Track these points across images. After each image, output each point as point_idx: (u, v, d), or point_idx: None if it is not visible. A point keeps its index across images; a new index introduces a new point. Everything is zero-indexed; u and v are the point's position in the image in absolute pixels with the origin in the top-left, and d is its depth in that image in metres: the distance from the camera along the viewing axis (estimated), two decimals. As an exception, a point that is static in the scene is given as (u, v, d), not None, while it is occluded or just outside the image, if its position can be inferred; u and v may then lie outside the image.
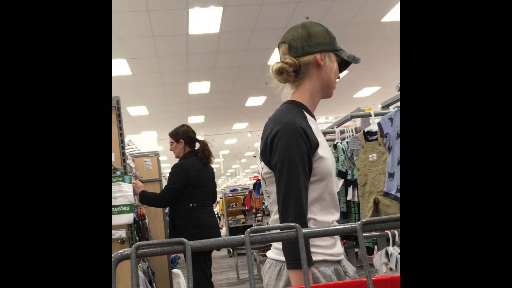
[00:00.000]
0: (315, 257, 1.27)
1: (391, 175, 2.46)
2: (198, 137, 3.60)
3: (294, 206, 1.21)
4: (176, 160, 3.54)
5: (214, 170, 3.75)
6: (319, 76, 1.34)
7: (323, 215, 1.31)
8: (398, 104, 2.87)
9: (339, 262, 1.36)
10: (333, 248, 1.33)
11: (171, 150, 3.61)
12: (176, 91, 9.47)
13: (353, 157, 2.84)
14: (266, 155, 1.30)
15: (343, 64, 1.43)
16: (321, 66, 1.32)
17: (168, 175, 3.56)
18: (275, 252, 1.34)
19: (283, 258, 1.25)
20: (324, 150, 1.30)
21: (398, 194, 2.39)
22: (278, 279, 1.30)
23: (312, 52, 1.32)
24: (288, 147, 1.23)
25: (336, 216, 1.36)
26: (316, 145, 1.27)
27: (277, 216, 1.30)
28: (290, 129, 1.24)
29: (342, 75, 1.43)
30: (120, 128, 3.01)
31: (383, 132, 2.56)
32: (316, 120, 1.39)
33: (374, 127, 2.72)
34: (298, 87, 1.37)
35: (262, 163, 1.33)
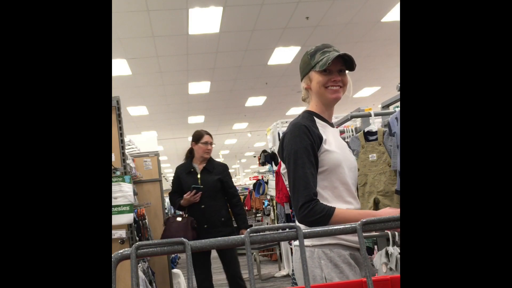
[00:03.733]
0: (329, 240, 1.45)
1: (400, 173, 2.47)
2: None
3: (303, 189, 1.43)
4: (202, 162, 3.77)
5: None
6: (312, 92, 1.62)
7: (337, 202, 1.49)
8: (398, 104, 2.87)
9: (358, 249, 1.51)
10: (349, 235, 1.46)
11: (210, 150, 3.83)
12: (176, 91, 9.46)
13: (353, 157, 2.83)
14: (280, 153, 1.57)
15: (344, 65, 1.59)
16: (308, 86, 1.62)
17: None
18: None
19: (312, 243, 1.46)
20: (332, 145, 1.52)
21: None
22: (314, 260, 1.46)
23: (301, 80, 1.65)
24: (293, 142, 1.49)
25: (353, 205, 1.53)
26: (320, 139, 1.50)
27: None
28: (294, 128, 1.51)
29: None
30: (120, 128, 3.01)
31: (391, 131, 2.57)
32: (332, 126, 1.63)
33: (374, 127, 2.72)
34: (309, 102, 1.67)
35: (282, 161, 1.57)
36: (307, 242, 1.48)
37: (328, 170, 1.49)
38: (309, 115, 1.58)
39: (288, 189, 1.55)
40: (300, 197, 1.43)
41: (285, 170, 1.54)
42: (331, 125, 1.63)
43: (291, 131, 1.51)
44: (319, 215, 1.40)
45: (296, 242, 1.54)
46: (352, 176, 1.55)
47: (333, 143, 1.54)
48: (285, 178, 1.57)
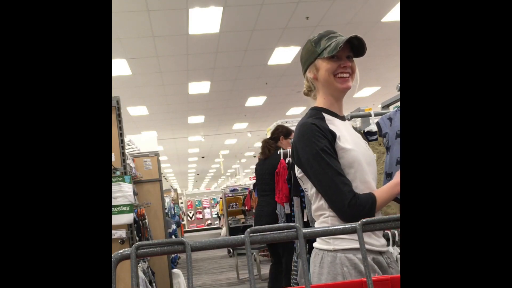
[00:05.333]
0: (352, 244, 1.35)
1: (388, 175, 2.45)
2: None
3: (342, 186, 1.34)
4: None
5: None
6: (319, 83, 1.51)
7: None
8: (398, 104, 2.87)
9: (380, 253, 1.43)
10: (371, 238, 1.41)
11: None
12: (176, 91, 9.46)
13: (353, 157, 2.83)
14: (295, 157, 1.46)
15: (353, 50, 1.48)
16: (315, 76, 1.50)
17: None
18: (318, 241, 1.45)
19: (324, 247, 1.39)
20: (347, 143, 1.42)
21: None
22: (321, 266, 1.40)
23: (305, 71, 1.53)
24: (309, 145, 1.38)
25: None
26: (333, 136, 1.40)
27: (315, 206, 1.44)
28: (305, 129, 1.41)
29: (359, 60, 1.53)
30: (120, 128, 3.01)
31: (381, 131, 2.56)
32: (343, 119, 1.53)
33: (374, 127, 2.72)
34: (315, 96, 1.56)
35: (296, 165, 1.47)
36: (328, 246, 1.39)
37: (345, 170, 1.39)
38: (317, 112, 1.47)
39: (316, 192, 1.43)
40: (344, 196, 1.33)
41: (302, 174, 1.44)
42: (342, 118, 1.53)
43: (302, 134, 1.41)
44: (368, 206, 1.33)
45: (316, 244, 1.45)
46: (371, 171, 1.46)
47: (348, 138, 1.44)
48: (302, 182, 1.48)
